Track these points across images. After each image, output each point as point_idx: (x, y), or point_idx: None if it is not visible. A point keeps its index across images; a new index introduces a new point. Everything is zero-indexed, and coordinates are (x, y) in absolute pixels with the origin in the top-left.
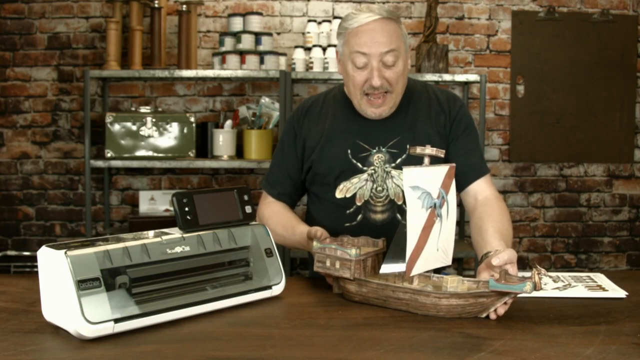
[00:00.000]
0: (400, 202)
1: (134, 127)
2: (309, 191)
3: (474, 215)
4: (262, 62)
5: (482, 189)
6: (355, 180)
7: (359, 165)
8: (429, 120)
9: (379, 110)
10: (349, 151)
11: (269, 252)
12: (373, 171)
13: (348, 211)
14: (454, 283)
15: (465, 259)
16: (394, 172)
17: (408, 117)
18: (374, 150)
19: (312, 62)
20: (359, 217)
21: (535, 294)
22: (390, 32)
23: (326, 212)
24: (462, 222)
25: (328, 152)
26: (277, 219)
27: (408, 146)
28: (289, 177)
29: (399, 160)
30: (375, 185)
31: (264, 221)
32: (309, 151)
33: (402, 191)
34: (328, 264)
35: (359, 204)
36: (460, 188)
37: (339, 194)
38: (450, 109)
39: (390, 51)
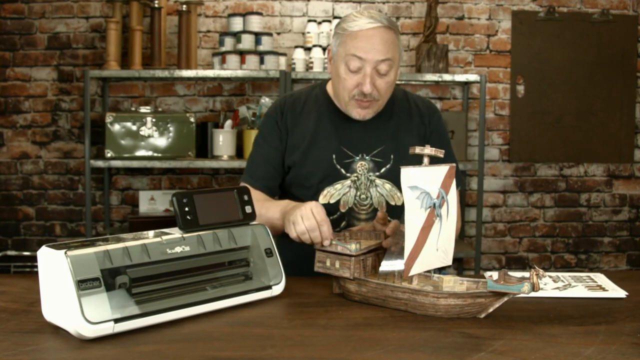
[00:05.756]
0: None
1: (134, 127)
2: (287, 193)
3: None
4: (262, 62)
5: None
6: (338, 186)
7: (343, 171)
8: (411, 131)
9: (364, 112)
10: (334, 156)
11: (269, 252)
12: (356, 178)
13: (332, 217)
14: (449, 283)
15: (466, 259)
16: (378, 181)
17: (391, 127)
18: (357, 158)
19: (312, 62)
20: (343, 223)
21: (535, 294)
22: (389, 42)
23: None
24: (463, 222)
25: (312, 155)
26: (259, 197)
27: (392, 156)
28: (273, 169)
29: (383, 170)
30: (358, 193)
31: None
32: (291, 150)
33: (386, 200)
34: (328, 263)
35: (343, 210)
36: None
37: (322, 199)
38: (429, 121)
39: (386, 60)
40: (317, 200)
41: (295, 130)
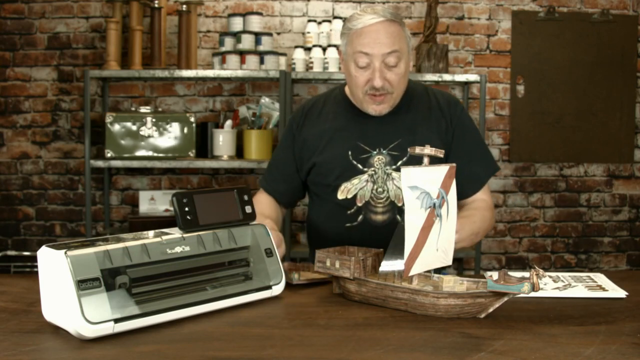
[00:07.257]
0: (400, 204)
1: (134, 127)
2: (310, 193)
3: None
4: (262, 62)
5: (477, 199)
6: (355, 181)
7: (360, 166)
8: (430, 125)
9: (379, 107)
10: (349, 152)
11: (269, 252)
12: (373, 172)
13: (349, 211)
14: (449, 283)
15: (466, 259)
16: (394, 174)
17: (408, 120)
18: (375, 152)
19: (312, 62)
20: (360, 217)
21: (535, 294)
22: (394, 34)
23: (328, 213)
24: None
25: (329, 153)
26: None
27: (409, 148)
28: (284, 174)
29: (400, 163)
30: (375, 187)
31: None
32: (310, 152)
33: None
34: (328, 263)
35: (359, 204)
36: (459, 198)
37: (340, 195)
38: (451, 115)
39: (393, 52)
40: (335, 195)
41: (313, 132)
